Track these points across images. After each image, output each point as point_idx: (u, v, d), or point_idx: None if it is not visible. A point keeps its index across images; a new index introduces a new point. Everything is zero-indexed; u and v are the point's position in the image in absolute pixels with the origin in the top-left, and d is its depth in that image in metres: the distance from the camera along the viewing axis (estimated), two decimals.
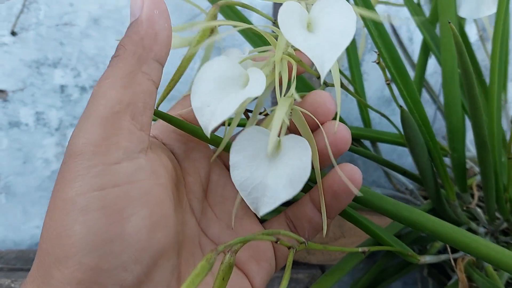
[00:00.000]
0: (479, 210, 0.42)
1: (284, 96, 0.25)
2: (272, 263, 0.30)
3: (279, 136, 0.26)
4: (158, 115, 0.26)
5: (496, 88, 0.34)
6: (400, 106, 0.30)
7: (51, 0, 0.57)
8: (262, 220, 0.31)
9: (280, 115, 0.23)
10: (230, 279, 0.21)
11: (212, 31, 0.29)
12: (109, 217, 0.21)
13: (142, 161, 0.23)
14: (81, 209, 0.20)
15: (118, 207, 0.21)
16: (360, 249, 0.29)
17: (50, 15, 0.57)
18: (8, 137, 0.59)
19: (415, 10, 0.38)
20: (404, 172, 0.41)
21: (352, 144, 0.48)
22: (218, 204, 0.29)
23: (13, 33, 0.56)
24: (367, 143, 0.50)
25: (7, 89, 0.58)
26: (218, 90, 0.24)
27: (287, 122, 0.27)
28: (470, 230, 0.44)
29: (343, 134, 0.27)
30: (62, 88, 0.59)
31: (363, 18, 0.32)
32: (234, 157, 0.25)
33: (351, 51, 0.47)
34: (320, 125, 0.26)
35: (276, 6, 0.57)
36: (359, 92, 0.48)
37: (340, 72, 0.35)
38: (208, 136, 0.24)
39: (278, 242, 0.23)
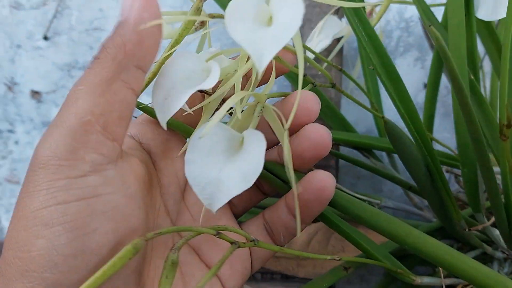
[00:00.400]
0: (497, 232, 0.39)
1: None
2: (247, 265, 0.29)
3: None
4: (140, 108, 0.26)
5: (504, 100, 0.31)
6: (383, 117, 0.28)
7: (83, 6, 0.59)
8: (240, 222, 0.30)
9: (227, 104, 0.22)
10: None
11: (202, 24, 0.29)
12: (71, 232, 0.20)
13: (110, 172, 0.22)
14: (43, 223, 0.20)
15: (81, 222, 0.21)
16: (329, 257, 0.27)
17: (81, 21, 0.60)
18: (41, 135, 0.63)
19: (426, 12, 0.36)
20: (409, 187, 0.38)
21: (363, 154, 0.46)
22: (195, 205, 0.29)
23: (46, 38, 0.59)
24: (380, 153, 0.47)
25: (41, 91, 0.62)
26: (176, 85, 0.24)
27: (254, 123, 0.26)
28: (484, 254, 0.40)
29: (323, 138, 0.26)
30: None
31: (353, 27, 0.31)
32: (189, 153, 0.24)
33: (365, 56, 0.45)
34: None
35: None
36: (373, 101, 0.46)
37: (352, 80, 0.34)
38: (165, 128, 0.24)
39: (218, 236, 0.22)
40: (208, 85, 0.22)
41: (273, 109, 0.25)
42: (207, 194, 0.24)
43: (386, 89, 0.31)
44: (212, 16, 0.26)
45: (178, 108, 0.23)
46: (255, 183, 0.23)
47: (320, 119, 0.50)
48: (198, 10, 0.27)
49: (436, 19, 0.36)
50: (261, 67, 0.19)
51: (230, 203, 0.29)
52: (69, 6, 0.59)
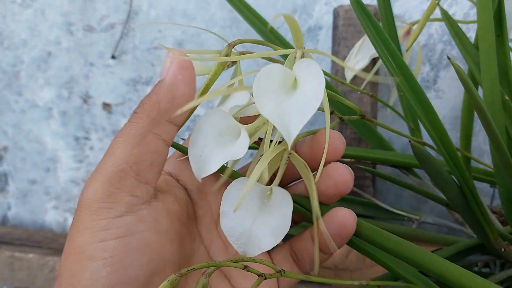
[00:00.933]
0: None
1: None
2: None
3: (271, 185, 0.27)
4: (174, 146, 0.30)
5: None
6: (410, 141, 0.29)
7: (144, 28, 0.65)
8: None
9: (260, 167, 0.24)
10: None
11: (234, 62, 0.31)
12: (110, 266, 0.24)
13: (144, 212, 0.25)
14: (88, 257, 0.23)
15: (118, 257, 0.24)
16: (356, 282, 0.29)
17: (143, 41, 0.66)
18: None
19: (455, 30, 0.36)
20: (447, 204, 0.39)
21: (401, 171, 0.46)
22: None
23: (113, 57, 0.65)
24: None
25: (111, 103, 0.69)
26: (210, 143, 0.26)
27: (282, 169, 0.28)
28: None
29: (344, 177, 0.28)
30: None
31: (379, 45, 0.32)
32: (223, 206, 0.27)
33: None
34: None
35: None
36: (409, 122, 0.46)
37: (387, 105, 0.35)
38: (200, 181, 0.27)
39: (246, 269, 0.25)
40: (238, 155, 0.24)
41: (299, 159, 0.27)
42: (241, 244, 0.26)
43: (416, 115, 0.33)
44: (242, 54, 0.29)
45: (212, 171, 0.26)
46: None
47: (357, 137, 0.51)
48: (227, 55, 0.29)
49: (467, 39, 0.36)
50: (290, 140, 0.21)
51: None
52: (133, 29, 0.65)
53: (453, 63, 0.24)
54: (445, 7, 0.56)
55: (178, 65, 0.25)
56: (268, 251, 0.32)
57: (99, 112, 0.70)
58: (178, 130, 0.27)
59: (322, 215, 0.28)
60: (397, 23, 0.53)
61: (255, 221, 0.26)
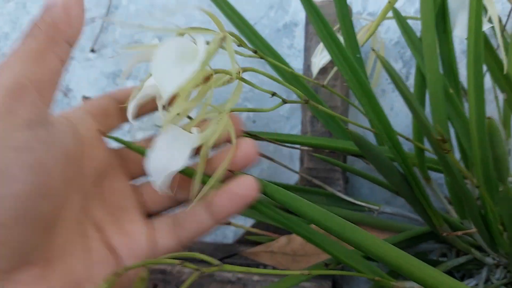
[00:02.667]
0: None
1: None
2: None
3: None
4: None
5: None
6: (347, 128, 0.33)
7: (125, 22, 0.69)
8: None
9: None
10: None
11: (207, 78, 0.35)
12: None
13: (41, 132, 0.26)
14: None
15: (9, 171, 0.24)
16: (298, 272, 0.33)
17: (124, 35, 0.70)
18: None
19: (406, 29, 0.40)
20: (397, 192, 0.43)
21: (365, 162, 0.50)
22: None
23: (92, 50, 0.69)
24: None
25: (91, 96, 0.73)
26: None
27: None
28: (475, 260, 0.43)
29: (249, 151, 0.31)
30: None
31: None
32: (151, 152, 0.30)
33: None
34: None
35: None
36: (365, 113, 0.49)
37: (341, 96, 0.38)
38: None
39: (183, 265, 0.28)
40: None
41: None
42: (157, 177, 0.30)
43: (360, 103, 0.36)
44: (217, 72, 0.32)
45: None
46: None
47: (327, 131, 0.55)
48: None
49: (415, 35, 0.40)
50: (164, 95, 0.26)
51: (145, 206, 0.34)
52: (113, 23, 0.69)
53: (378, 55, 0.28)
54: (402, 2, 0.60)
55: None
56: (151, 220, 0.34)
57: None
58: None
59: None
60: (368, 21, 0.57)
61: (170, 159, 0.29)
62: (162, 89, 0.26)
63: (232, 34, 0.31)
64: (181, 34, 0.33)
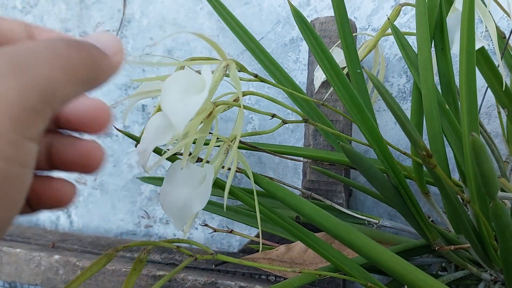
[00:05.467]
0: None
1: None
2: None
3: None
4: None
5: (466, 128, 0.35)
6: (339, 142, 0.34)
7: (137, 35, 0.72)
8: None
9: (184, 144, 0.31)
10: None
11: (210, 114, 0.36)
12: None
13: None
14: None
15: None
16: (289, 270, 0.34)
17: (135, 47, 0.72)
18: (103, 144, 0.76)
19: (403, 45, 0.41)
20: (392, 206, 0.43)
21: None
22: None
23: None
24: None
25: None
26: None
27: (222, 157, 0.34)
28: (472, 275, 0.43)
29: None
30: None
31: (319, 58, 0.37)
32: (165, 185, 0.32)
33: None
34: None
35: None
36: (360, 126, 0.50)
37: (339, 112, 0.39)
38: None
39: (178, 250, 0.30)
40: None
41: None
42: (176, 216, 0.31)
43: (352, 117, 0.37)
44: (218, 105, 0.34)
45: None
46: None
47: (329, 144, 0.56)
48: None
49: (413, 51, 0.41)
50: (179, 128, 0.27)
51: None
52: (126, 36, 0.72)
53: (366, 71, 0.29)
54: (407, 18, 0.61)
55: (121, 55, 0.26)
56: None
57: None
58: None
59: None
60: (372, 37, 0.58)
61: (189, 196, 0.31)
62: (175, 122, 0.27)
63: (233, 61, 0.32)
64: (182, 67, 0.34)
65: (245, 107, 0.34)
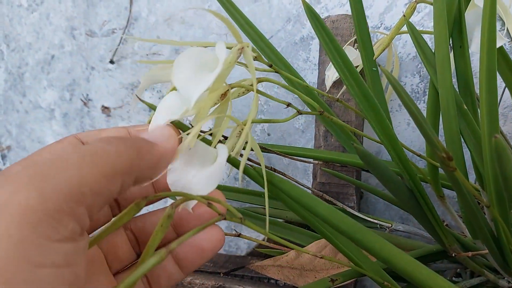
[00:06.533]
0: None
1: None
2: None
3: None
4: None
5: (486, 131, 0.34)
6: (352, 143, 0.33)
7: (143, 34, 0.71)
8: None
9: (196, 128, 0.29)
10: None
11: (223, 95, 0.35)
12: None
13: (81, 243, 0.23)
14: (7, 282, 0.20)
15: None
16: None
17: (142, 47, 0.71)
18: None
19: (420, 43, 0.39)
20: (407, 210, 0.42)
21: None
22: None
23: (111, 62, 0.71)
24: None
25: (110, 106, 0.74)
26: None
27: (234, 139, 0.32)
28: (489, 282, 0.42)
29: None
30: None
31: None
32: (173, 164, 0.30)
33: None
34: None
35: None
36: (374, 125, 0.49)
37: (352, 109, 0.38)
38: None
39: (208, 206, 0.28)
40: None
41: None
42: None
43: (365, 117, 0.36)
44: (233, 86, 0.33)
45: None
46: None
47: (340, 145, 0.54)
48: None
49: (430, 49, 0.40)
50: (190, 102, 0.27)
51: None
52: (133, 34, 0.71)
53: (382, 69, 0.28)
54: (421, 16, 0.60)
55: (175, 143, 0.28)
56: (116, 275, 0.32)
57: (99, 115, 0.75)
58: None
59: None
60: (384, 35, 0.57)
61: (195, 175, 0.29)
62: (186, 96, 0.26)
63: (249, 45, 0.31)
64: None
65: (260, 93, 0.32)
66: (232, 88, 0.31)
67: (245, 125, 0.31)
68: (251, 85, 0.31)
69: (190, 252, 0.30)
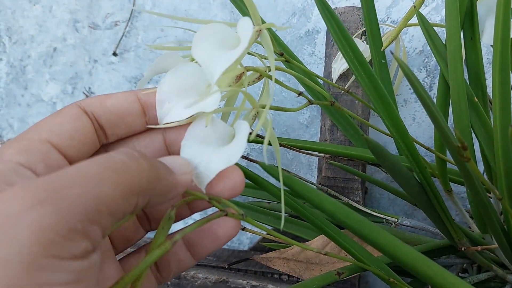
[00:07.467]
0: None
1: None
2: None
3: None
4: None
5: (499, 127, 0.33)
6: (362, 135, 0.32)
7: (147, 27, 0.70)
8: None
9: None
10: None
11: (239, 76, 0.35)
12: None
13: (94, 258, 0.22)
14: None
15: None
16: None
17: (146, 39, 0.70)
18: None
19: (431, 35, 0.39)
20: (416, 204, 0.41)
21: (383, 171, 0.49)
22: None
23: (114, 54, 0.70)
24: None
25: None
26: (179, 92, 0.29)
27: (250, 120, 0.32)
28: (497, 277, 0.42)
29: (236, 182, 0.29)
30: None
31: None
32: (185, 140, 0.29)
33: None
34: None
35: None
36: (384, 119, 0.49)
37: (360, 100, 0.38)
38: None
39: (209, 201, 0.27)
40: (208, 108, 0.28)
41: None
42: (197, 173, 0.29)
43: (376, 110, 0.36)
44: (248, 70, 0.32)
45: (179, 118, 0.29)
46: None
47: (346, 139, 0.54)
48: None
49: (441, 41, 0.39)
50: (214, 78, 0.26)
51: (111, 239, 0.30)
52: (136, 27, 0.70)
53: (397, 59, 0.27)
54: (428, 10, 0.59)
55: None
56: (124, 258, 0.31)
57: None
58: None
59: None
60: (391, 28, 0.56)
61: (213, 152, 0.28)
62: (211, 69, 0.25)
63: (267, 27, 0.31)
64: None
65: (275, 81, 0.32)
66: (247, 70, 0.30)
67: (262, 108, 0.30)
68: (265, 71, 0.31)
69: (204, 238, 0.30)
